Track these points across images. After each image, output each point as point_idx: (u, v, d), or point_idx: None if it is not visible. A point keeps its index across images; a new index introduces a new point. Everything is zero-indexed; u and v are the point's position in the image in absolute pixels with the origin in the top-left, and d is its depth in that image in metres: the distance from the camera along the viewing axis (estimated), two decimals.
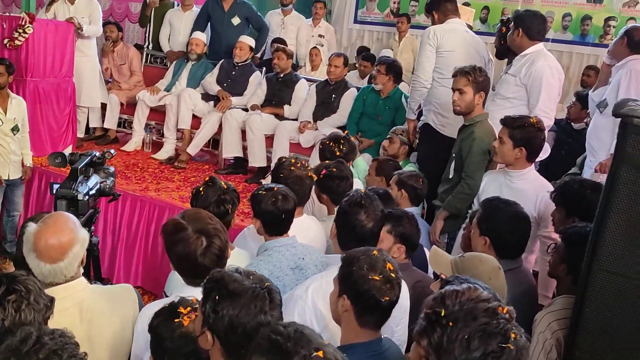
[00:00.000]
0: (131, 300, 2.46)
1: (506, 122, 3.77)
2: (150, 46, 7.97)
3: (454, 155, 4.26)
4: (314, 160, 5.52)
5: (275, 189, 3.03)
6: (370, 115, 5.96)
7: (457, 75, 4.17)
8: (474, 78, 4.09)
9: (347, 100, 6.41)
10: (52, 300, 2.01)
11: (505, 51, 4.93)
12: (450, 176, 4.26)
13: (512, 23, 4.48)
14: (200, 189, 3.07)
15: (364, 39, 9.96)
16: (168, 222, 2.47)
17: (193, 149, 6.80)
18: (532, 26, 4.42)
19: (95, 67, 7.16)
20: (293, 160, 3.53)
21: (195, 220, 2.39)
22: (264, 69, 7.30)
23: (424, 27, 8.57)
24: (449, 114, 4.55)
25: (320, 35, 8.83)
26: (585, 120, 5.79)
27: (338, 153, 4.37)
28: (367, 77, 7.41)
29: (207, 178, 3.14)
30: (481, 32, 7.93)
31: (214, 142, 7.03)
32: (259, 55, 7.79)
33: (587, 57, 8.30)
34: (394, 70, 6.09)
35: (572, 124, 6.21)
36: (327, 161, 4.08)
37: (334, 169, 3.75)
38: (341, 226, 2.72)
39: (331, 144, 4.45)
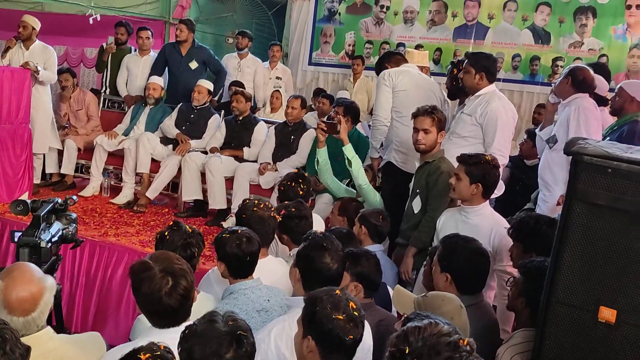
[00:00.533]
0: (99, 348, 2.45)
1: (462, 159, 3.86)
2: (108, 91, 7.96)
3: (417, 191, 4.34)
4: (274, 202, 5.50)
5: (239, 231, 3.04)
6: (329, 156, 5.97)
7: (421, 115, 4.30)
8: (437, 118, 4.25)
9: (306, 141, 6.48)
10: (28, 349, 1.98)
11: (457, 92, 5.09)
12: (416, 211, 4.33)
13: (469, 66, 4.58)
14: (166, 234, 3.06)
15: (319, 80, 10.08)
16: (135, 263, 2.47)
17: (152, 192, 6.76)
18: (492, 69, 4.59)
19: (47, 113, 7.04)
20: (256, 202, 3.56)
21: (162, 260, 2.39)
22: (223, 112, 7.35)
23: None
24: (409, 150, 4.69)
25: (277, 78, 8.88)
26: (539, 157, 5.90)
27: (301, 192, 4.42)
28: (326, 117, 7.40)
29: (172, 222, 3.14)
30: (435, 72, 8.09)
31: (174, 186, 6.98)
32: (216, 98, 7.81)
33: (538, 96, 8.52)
34: (352, 111, 6.17)
35: (525, 160, 6.31)
36: (286, 202, 4.13)
37: (293, 209, 3.79)
38: (306, 271, 2.74)
39: (292, 184, 4.49)
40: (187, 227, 3.12)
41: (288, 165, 6.34)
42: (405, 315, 2.33)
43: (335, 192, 5.19)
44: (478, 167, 3.77)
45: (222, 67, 7.89)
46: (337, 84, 9.68)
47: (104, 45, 7.98)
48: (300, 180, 4.54)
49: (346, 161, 4.80)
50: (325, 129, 4.84)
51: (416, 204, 4.34)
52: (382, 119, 5.06)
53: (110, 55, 7.92)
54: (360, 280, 3.12)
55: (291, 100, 6.65)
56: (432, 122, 4.23)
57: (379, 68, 5.36)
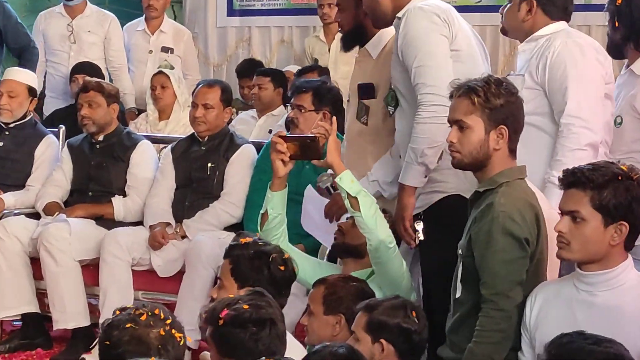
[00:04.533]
0: None
1: (577, 178, 3.84)
2: None
3: (460, 252, 4.33)
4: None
5: None
6: (290, 197, 5.88)
7: (455, 95, 4.30)
8: (485, 99, 4.21)
9: (239, 171, 6.59)
10: None
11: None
12: (458, 294, 4.33)
13: None
14: None
15: (252, 46, 10.18)
16: None
17: None
18: None
19: None
20: (137, 311, 3.42)
21: None
22: (63, 128, 7.35)
23: None
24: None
25: (165, 49, 9.00)
26: None
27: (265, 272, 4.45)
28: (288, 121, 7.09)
29: None
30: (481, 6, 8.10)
31: None
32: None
33: None
34: (327, 100, 6.15)
35: None
36: (233, 294, 4.14)
37: (246, 307, 3.69)
38: None
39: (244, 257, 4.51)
40: None
41: (208, 225, 6.45)
42: None
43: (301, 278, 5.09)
44: (617, 190, 3.75)
45: (29, 39, 8.07)
46: (289, 50, 9.85)
47: None
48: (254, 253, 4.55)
49: (347, 203, 4.79)
50: (294, 151, 4.82)
51: (459, 278, 4.37)
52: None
53: None
54: None
55: (200, 93, 6.71)
56: (470, 107, 4.23)
57: None
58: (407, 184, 4.84)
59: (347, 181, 4.72)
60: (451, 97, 4.35)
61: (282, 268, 4.53)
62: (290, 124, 6.36)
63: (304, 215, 5.51)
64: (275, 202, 4.94)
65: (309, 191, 5.55)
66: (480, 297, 4.14)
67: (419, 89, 4.66)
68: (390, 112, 5.13)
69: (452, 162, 4.38)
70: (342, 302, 4.48)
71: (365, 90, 5.29)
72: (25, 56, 7.96)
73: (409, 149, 4.79)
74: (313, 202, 5.47)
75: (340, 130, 5.48)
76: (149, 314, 3.44)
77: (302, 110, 6.07)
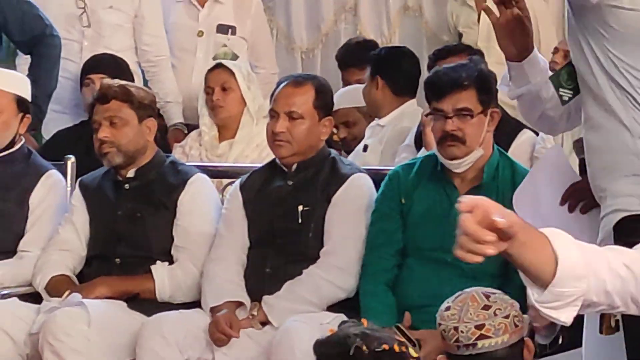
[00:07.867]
0: None
1: None
2: None
3: None
4: None
5: None
6: (434, 256, 5.76)
7: None
8: None
9: (348, 216, 6.17)
10: None
11: None
12: None
13: None
14: None
15: (359, 18, 9.96)
16: None
17: None
18: None
19: None
20: None
21: None
22: (72, 159, 6.68)
23: None
24: None
25: (223, 28, 8.93)
26: None
27: None
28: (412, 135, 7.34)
29: None
30: None
31: None
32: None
33: None
34: (494, 93, 5.90)
35: None
36: None
37: None
38: None
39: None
40: None
41: (304, 303, 5.98)
42: None
43: None
44: None
45: (42, 25, 7.88)
46: (417, 20, 9.68)
47: None
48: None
49: None
50: None
51: None
52: None
53: None
54: None
55: (282, 96, 6.27)
56: None
57: None
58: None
59: None
60: None
61: None
62: (444, 141, 5.88)
63: (521, 188, 5.15)
64: None
65: (556, 152, 5.37)
66: None
67: None
68: (564, 99, 4.65)
69: None
70: None
71: None
72: (39, 51, 7.61)
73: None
74: (551, 171, 5.05)
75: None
76: None
77: (469, 116, 5.66)
